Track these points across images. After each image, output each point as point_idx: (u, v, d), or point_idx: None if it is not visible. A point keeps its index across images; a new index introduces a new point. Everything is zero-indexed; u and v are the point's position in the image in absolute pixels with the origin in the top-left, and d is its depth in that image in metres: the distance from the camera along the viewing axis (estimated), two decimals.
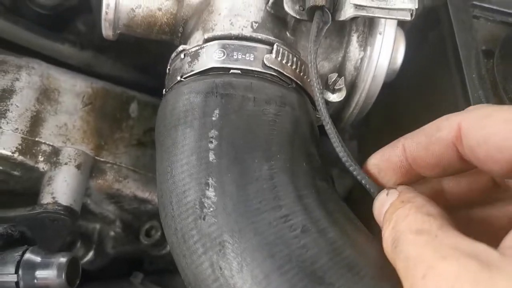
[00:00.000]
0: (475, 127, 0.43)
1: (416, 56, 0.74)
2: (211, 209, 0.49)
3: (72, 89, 0.77)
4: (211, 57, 0.57)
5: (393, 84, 0.72)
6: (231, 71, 0.56)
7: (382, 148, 0.51)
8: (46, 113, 0.73)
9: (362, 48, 0.64)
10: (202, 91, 0.55)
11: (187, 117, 0.55)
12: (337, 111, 0.71)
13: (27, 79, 0.74)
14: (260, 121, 0.54)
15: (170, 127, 0.56)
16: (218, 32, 0.60)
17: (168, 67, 0.63)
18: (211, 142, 0.53)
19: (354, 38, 0.64)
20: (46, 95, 0.74)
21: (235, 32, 0.59)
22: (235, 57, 0.57)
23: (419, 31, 0.82)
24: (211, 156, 0.52)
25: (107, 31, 0.67)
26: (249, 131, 0.53)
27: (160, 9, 0.65)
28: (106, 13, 0.64)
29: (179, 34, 0.67)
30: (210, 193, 0.50)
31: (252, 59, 0.57)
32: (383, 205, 0.47)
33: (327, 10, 0.56)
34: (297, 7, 0.60)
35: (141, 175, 0.77)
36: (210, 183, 0.51)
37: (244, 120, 0.54)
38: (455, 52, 0.71)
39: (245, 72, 0.56)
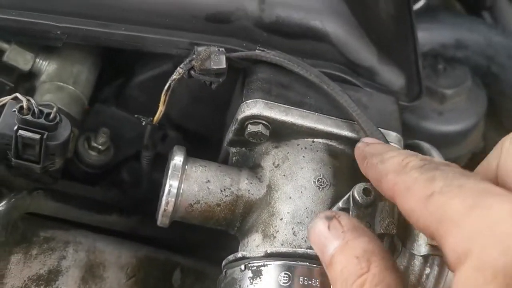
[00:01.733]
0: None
1: None
2: None
3: (117, 261, 0.75)
4: (276, 280, 0.55)
5: None
6: None
7: None
8: None
9: (428, 264, 0.61)
10: None
11: None
12: None
13: (74, 256, 0.72)
14: None
15: None
16: (281, 246, 0.58)
17: (225, 269, 0.61)
18: None
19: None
20: (91, 272, 0.72)
21: (299, 249, 0.57)
22: (300, 282, 0.55)
23: None
24: None
25: (163, 221, 0.65)
26: None
27: (219, 205, 0.64)
28: (165, 210, 0.63)
29: (235, 228, 0.66)
30: None
31: (318, 285, 0.55)
32: (326, 244, 0.46)
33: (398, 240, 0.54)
34: None
35: None
36: None
37: None
38: None
39: None
